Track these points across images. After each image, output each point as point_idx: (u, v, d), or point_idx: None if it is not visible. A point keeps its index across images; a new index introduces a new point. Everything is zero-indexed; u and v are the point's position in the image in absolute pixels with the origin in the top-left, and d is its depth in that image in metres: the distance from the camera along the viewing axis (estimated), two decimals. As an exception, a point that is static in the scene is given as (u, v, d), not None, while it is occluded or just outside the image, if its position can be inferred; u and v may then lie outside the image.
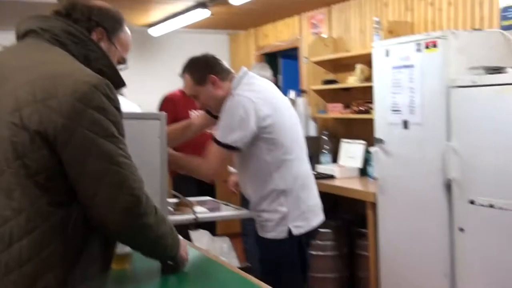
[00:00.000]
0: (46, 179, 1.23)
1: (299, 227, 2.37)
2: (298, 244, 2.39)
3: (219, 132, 2.32)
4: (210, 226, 3.88)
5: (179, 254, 1.59)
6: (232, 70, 2.49)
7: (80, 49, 1.37)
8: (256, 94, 2.33)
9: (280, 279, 2.34)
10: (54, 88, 1.24)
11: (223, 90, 2.40)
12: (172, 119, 4.18)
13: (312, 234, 2.47)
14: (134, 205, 1.31)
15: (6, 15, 4.62)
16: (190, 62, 2.46)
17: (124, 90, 5.09)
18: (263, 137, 2.31)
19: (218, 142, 2.31)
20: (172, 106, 4.22)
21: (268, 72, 4.50)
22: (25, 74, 1.28)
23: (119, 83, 1.48)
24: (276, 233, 2.36)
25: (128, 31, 1.57)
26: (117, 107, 1.33)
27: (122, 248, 1.68)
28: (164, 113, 2.09)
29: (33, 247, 1.22)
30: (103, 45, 1.45)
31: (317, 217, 2.48)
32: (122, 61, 1.56)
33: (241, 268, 2.00)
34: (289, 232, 2.35)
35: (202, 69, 2.41)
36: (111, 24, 1.48)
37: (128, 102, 4.98)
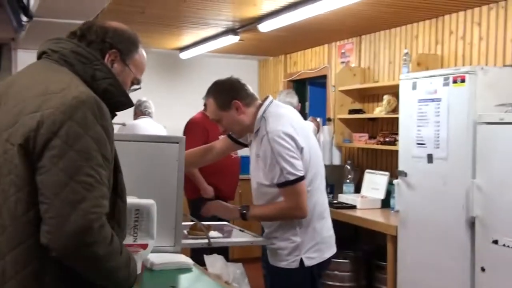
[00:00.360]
0: (28, 194, 1.23)
1: (311, 259, 2.32)
2: (310, 274, 2.34)
3: (284, 172, 2.22)
4: (224, 251, 3.86)
5: None
6: (257, 96, 2.46)
7: (87, 69, 1.39)
8: (289, 127, 2.29)
9: None
10: (43, 103, 1.26)
11: (247, 115, 2.37)
12: (203, 144, 4.20)
13: (324, 265, 2.41)
14: (83, 230, 1.20)
15: (44, 35, 4.77)
16: (215, 86, 2.42)
17: (151, 111, 5.20)
18: None
19: (291, 181, 2.23)
20: (203, 130, 4.24)
21: (295, 99, 4.52)
22: (24, 93, 1.32)
23: (126, 103, 1.48)
24: (287, 262, 2.32)
25: (144, 53, 1.58)
26: (104, 125, 1.29)
27: None
28: (183, 137, 2.11)
29: (15, 263, 1.23)
30: (116, 66, 1.47)
31: (330, 249, 2.43)
32: (136, 82, 1.56)
33: (252, 296, 1.99)
34: (301, 262, 2.30)
35: (226, 93, 2.36)
36: (126, 46, 1.50)
37: (154, 124, 5.07)
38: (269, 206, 2.36)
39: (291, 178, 2.22)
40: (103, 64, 1.42)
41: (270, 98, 2.44)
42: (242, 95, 2.37)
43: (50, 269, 1.26)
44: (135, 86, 1.57)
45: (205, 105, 4.42)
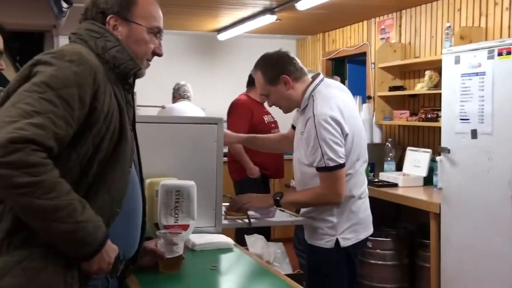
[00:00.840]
0: None
1: (347, 239, 2.31)
2: (346, 254, 2.33)
3: (325, 157, 2.19)
4: (266, 231, 3.89)
5: (95, 259, 1.36)
6: (306, 70, 2.40)
7: (98, 42, 1.47)
8: (337, 111, 2.23)
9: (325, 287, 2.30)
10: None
11: (296, 91, 2.32)
12: (248, 124, 4.24)
13: (360, 245, 2.40)
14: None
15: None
16: (262, 59, 2.36)
17: (190, 94, 5.24)
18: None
19: (331, 168, 2.20)
20: (248, 111, 4.27)
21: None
22: None
23: (134, 66, 1.51)
24: (323, 241, 2.32)
25: (147, 1, 1.57)
26: (77, 72, 1.34)
27: (170, 253, 1.71)
28: (221, 118, 2.13)
29: None
30: (121, 29, 1.51)
31: (366, 230, 2.41)
32: (157, 31, 1.57)
33: (292, 275, 2.00)
34: (337, 243, 2.30)
35: (274, 68, 2.31)
36: (120, 4, 1.52)
37: (192, 106, 5.12)
38: (303, 192, 2.35)
39: (331, 164, 2.19)
40: (112, 35, 1.49)
41: (321, 76, 2.39)
42: (291, 69, 2.31)
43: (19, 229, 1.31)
44: (156, 41, 1.58)
45: (249, 85, 4.42)
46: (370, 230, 2.43)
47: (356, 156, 2.32)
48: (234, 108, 4.43)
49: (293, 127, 2.56)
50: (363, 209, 2.40)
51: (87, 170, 1.37)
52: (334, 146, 2.19)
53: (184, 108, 4.97)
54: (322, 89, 2.31)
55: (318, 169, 2.23)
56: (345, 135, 2.24)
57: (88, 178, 1.38)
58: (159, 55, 1.59)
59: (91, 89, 1.36)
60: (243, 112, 4.30)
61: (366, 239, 2.43)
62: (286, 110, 2.44)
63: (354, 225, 2.33)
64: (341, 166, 2.21)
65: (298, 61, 2.38)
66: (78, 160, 1.35)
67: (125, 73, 1.50)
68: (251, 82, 4.35)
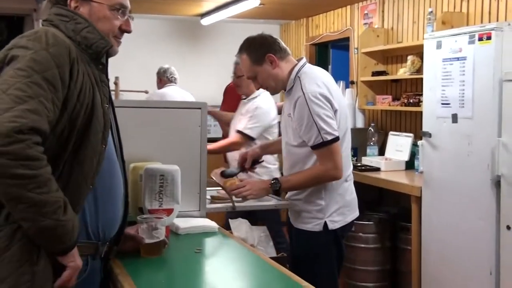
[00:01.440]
0: None
1: (334, 222, 2.34)
2: (334, 237, 2.37)
3: (322, 132, 2.22)
4: (251, 215, 3.91)
5: (69, 255, 1.40)
6: (289, 50, 2.44)
7: (69, 25, 1.49)
8: (325, 88, 2.28)
9: (315, 271, 2.33)
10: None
11: (282, 69, 2.35)
12: (236, 106, 4.27)
13: (347, 228, 2.44)
14: None
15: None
16: (247, 41, 2.40)
17: (177, 77, 5.21)
18: None
19: (329, 141, 2.23)
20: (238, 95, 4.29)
21: None
22: None
23: (105, 45, 1.52)
24: (312, 225, 2.34)
25: None
26: (53, 53, 1.36)
27: (150, 238, 1.73)
28: (205, 103, 2.13)
29: None
30: (83, 9, 1.53)
31: (353, 213, 2.44)
32: (119, 6, 1.57)
33: (277, 258, 2.03)
34: (325, 226, 2.33)
35: (259, 48, 2.35)
36: None
37: (181, 91, 5.11)
38: (302, 174, 2.34)
39: (329, 138, 2.22)
40: (80, 16, 1.51)
41: (305, 59, 2.43)
42: (276, 48, 2.35)
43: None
44: (123, 18, 1.58)
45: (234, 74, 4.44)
46: (356, 212, 2.47)
47: (342, 134, 2.35)
48: (228, 91, 4.47)
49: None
50: (350, 191, 2.43)
51: (64, 148, 1.40)
52: (328, 120, 2.23)
53: (174, 94, 4.96)
54: (307, 70, 2.36)
55: (316, 146, 2.24)
56: (334, 111, 2.28)
57: (64, 155, 1.41)
58: (127, 31, 1.59)
59: (68, 67, 1.39)
60: (236, 96, 4.33)
61: (353, 222, 2.46)
62: (274, 90, 2.46)
63: (341, 208, 2.36)
64: (337, 139, 2.25)
65: (281, 41, 2.43)
66: (54, 139, 1.38)
67: (97, 52, 1.51)
68: None
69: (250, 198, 2.40)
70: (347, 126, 2.41)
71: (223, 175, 2.63)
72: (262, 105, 3.48)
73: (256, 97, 3.56)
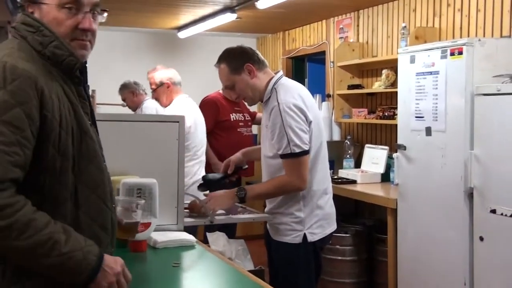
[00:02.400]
0: None
1: (314, 234, 2.35)
2: (313, 249, 2.37)
3: (291, 143, 2.24)
4: (231, 228, 3.92)
5: (98, 280, 1.30)
6: (267, 63, 2.48)
7: (36, 37, 1.34)
8: (300, 100, 2.32)
9: (294, 282, 2.34)
10: None
11: (260, 80, 2.38)
12: (213, 121, 4.31)
13: (326, 240, 2.45)
14: None
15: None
16: (226, 51, 2.44)
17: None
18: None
19: (296, 154, 2.25)
20: (214, 108, 4.32)
21: None
22: None
23: (75, 62, 1.37)
24: (291, 237, 2.35)
25: None
26: (12, 90, 1.23)
27: (128, 218, 1.74)
28: (183, 116, 2.13)
29: None
30: (38, 14, 1.37)
31: (332, 225, 2.46)
32: (72, 3, 1.36)
33: (255, 271, 2.03)
34: (304, 238, 2.33)
35: (238, 57, 2.38)
36: None
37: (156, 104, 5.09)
38: (267, 183, 2.38)
39: (297, 150, 2.24)
40: (46, 28, 1.35)
41: (281, 72, 2.48)
42: (254, 59, 2.39)
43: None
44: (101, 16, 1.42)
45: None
46: (335, 225, 2.49)
47: (318, 145, 2.37)
48: (201, 104, 4.50)
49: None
50: (330, 204, 2.45)
51: (65, 182, 1.31)
52: (300, 133, 2.25)
53: (156, 106, 4.96)
54: (284, 82, 2.39)
55: (284, 156, 2.26)
56: (309, 123, 2.31)
57: (68, 189, 1.31)
58: (85, 29, 1.37)
59: (36, 101, 1.25)
60: (208, 109, 4.37)
61: (331, 235, 2.48)
62: (251, 101, 2.47)
63: (320, 220, 2.38)
64: (306, 152, 2.27)
65: (260, 53, 2.48)
66: (52, 178, 1.29)
67: (69, 69, 1.37)
68: None
69: (218, 210, 2.40)
70: (322, 139, 2.44)
71: (205, 180, 2.63)
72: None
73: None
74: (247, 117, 4.51)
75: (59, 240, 1.24)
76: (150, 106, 5.05)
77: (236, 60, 2.37)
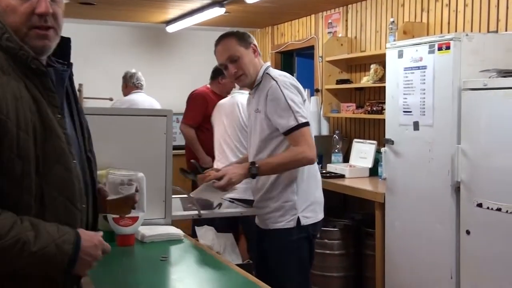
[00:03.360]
0: None
1: (307, 218, 2.37)
2: (306, 233, 2.38)
3: (297, 114, 2.26)
4: (233, 226, 3.90)
5: (78, 265, 1.26)
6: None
7: None
8: (295, 81, 2.38)
9: (286, 270, 2.34)
10: None
11: (259, 62, 2.44)
12: (202, 115, 4.31)
13: (317, 226, 2.46)
14: None
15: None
16: (232, 31, 2.48)
17: (143, 83, 5.19)
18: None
19: (303, 124, 2.27)
20: (203, 102, 4.33)
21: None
22: None
23: (27, 56, 1.25)
24: (284, 222, 2.35)
25: None
26: None
27: (116, 193, 1.64)
28: (170, 110, 2.13)
29: None
30: None
31: (322, 212, 2.49)
32: None
33: (242, 265, 2.03)
34: (298, 221, 2.34)
35: (246, 35, 2.43)
36: None
37: (149, 98, 5.07)
38: (280, 156, 2.32)
39: (304, 120, 2.27)
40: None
41: (269, 63, 2.54)
42: (256, 43, 2.46)
43: None
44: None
45: (212, 78, 4.44)
46: (323, 213, 2.50)
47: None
48: (190, 99, 4.50)
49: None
50: (319, 190, 2.49)
51: (27, 186, 1.22)
52: (301, 106, 2.30)
53: (143, 101, 4.93)
54: (273, 69, 2.45)
55: (292, 129, 2.26)
56: (302, 100, 2.34)
57: (31, 193, 1.23)
58: (43, 14, 1.26)
59: None
60: (198, 103, 4.38)
61: (321, 222, 2.49)
62: (248, 79, 2.41)
63: (312, 204, 2.40)
64: (309, 123, 2.30)
65: None
66: (16, 187, 1.21)
67: (23, 62, 1.25)
68: (214, 75, 4.41)
69: (231, 186, 2.29)
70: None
71: (193, 165, 2.59)
72: None
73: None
74: (236, 76, 4.51)
75: (28, 240, 1.19)
76: (127, 99, 5.01)
77: (244, 37, 2.41)
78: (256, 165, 2.27)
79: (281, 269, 2.36)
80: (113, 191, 1.62)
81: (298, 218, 2.35)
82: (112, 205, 1.61)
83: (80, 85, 5.22)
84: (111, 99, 5.46)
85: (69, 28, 6.76)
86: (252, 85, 2.43)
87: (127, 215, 1.72)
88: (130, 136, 2.04)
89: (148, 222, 2.03)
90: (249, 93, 2.52)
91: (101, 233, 1.36)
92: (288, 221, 2.35)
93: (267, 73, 2.39)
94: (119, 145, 2.03)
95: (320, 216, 2.45)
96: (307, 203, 2.38)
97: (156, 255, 1.84)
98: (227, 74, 2.47)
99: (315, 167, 2.48)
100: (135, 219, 1.90)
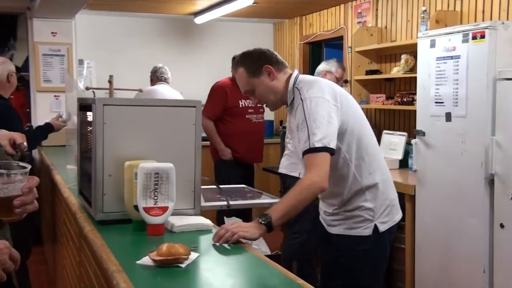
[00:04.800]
0: None
1: (384, 223, 2.19)
2: (383, 241, 2.22)
3: (313, 137, 2.00)
4: (246, 214, 3.93)
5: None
6: (287, 64, 2.31)
7: None
8: (328, 94, 2.10)
9: (359, 279, 2.22)
10: None
11: (280, 82, 2.22)
12: (222, 107, 4.35)
13: (393, 229, 2.27)
14: None
15: (57, 2, 4.77)
16: (243, 55, 2.28)
17: (168, 76, 5.22)
18: (341, 134, 2.11)
19: (316, 149, 2.00)
20: (223, 94, 4.35)
21: (334, 66, 4.25)
22: None
23: None
24: (359, 229, 2.18)
25: None
26: None
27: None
28: (199, 101, 2.12)
29: None
30: None
31: (399, 212, 2.30)
32: None
33: (271, 256, 2.03)
34: (375, 228, 2.17)
35: (256, 60, 2.22)
36: None
37: (170, 89, 5.11)
38: (287, 196, 2.02)
39: (318, 145, 2.00)
40: None
41: (296, 71, 2.29)
42: (273, 60, 2.24)
43: None
44: None
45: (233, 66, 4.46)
46: (400, 212, 2.32)
47: (359, 130, 2.17)
48: (211, 90, 4.53)
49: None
50: (393, 190, 2.30)
51: None
52: (322, 128, 2.02)
53: (163, 91, 4.98)
54: (303, 78, 2.22)
55: (304, 152, 2.03)
56: (341, 119, 2.10)
57: None
58: None
59: None
60: (217, 95, 4.41)
61: (398, 224, 2.32)
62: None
63: (389, 207, 2.23)
64: (328, 150, 2.01)
65: (278, 55, 2.32)
66: None
67: None
68: (233, 63, 4.40)
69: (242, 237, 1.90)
70: (363, 120, 2.24)
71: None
72: None
73: None
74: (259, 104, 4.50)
75: None
76: (147, 89, 5.05)
77: (254, 63, 2.22)
78: (268, 216, 1.94)
79: (351, 277, 2.22)
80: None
81: (375, 226, 2.17)
82: None
83: (111, 76, 5.27)
84: (140, 91, 5.50)
85: (99, 20, 6.89)
86: (286, 103, 2.24)
87: (6, 218, 1.45)
88: (159, 127, 2.05)
89: (177, 212, 2.03)
90: (287, 108, 2.29)
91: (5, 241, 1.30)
92: (364, 228, 2.17)
93: (296, 88, 2.17)
94: (149, 136, 2.03)
95: (397, 217, 2.26)
96: (383, 207, 2.20)
97: (186, 244, 1.84)
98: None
99: (386, 167, 2.29)
100: (165, 209, 1.90)
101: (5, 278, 1.29)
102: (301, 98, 2.10)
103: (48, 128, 4.13)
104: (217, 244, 1.82)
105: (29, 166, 1.44)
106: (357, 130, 2.16)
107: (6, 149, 2.02)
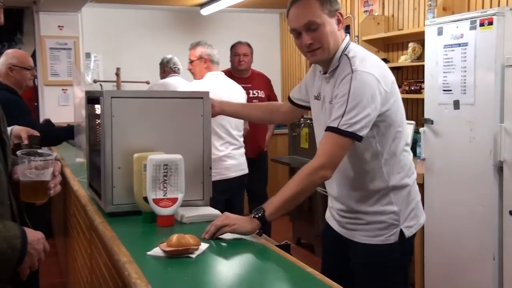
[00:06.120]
0: None
1: (410, 228, 1.93)
2: (409, 247, 1.99)
3: (346, 118, 1.74)
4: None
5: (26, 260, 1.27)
6: None
7: None
8: (378, 70, 1.81)
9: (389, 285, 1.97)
10: None
11: (340, 36, 1.89)
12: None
13: (415, 234, 2.01)
14: None
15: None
16: None
17: (180, 67, 5.22)
18: (379, 123, 1.83)
19: (342, 132, 1.75)
20: None
21: None
22: None
23: None
24: (384, 237, 1.92)
25: None
26: None
27: (24, 176, 1.52)
28: (207, 92, 2.13)
29: None
30: None
31: (423, 213, 2.03)
32: None
33: (281, 246, 2.04)
34: (401, 234, 1.91)
35: (335, 2, 1.88)
36: None
37: (184, 81, 5.10)
38: (287, 185, 1.81)
39: (348, 129, 1.74)
40: None
41: (348, 37, 1.94)
42: (341, 11, 1.90)
43: None
44: None
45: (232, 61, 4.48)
46: (424, 214, 2.06)
47: (403, 121, 1.93)
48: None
49: (290, 101, 2.21)
50: (418, 190, 2.03)
51: None
52: (365, 114, 1.75)
53: (178, 84, 4.95)
54: (355, 48, 1.90)
55: (327, 129, 1.79)
56: (387, 98, 1.81)
57: None
58: None
59: None
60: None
61: (422, 226, 2.07)
62: (324, 55, 1.88)
63: (414, 209, 1.96)
64: (355, 136, 1.76)
65: None
66: None
67: None
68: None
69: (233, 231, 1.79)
70: (403, 118, 1.95)
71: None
72: None
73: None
74: (260, 94, 4.50)
75: None
76: (161, 82, 5.02)
77: (332, 3, 1.86)
78: (261, 209, 1.79)
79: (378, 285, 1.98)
80: (22, 174, 1.50)
81: (401, 231, 1.91)
82: (23, 189, 1.50)
83: (118, 69, 5.30)
84: (148, 83, 5.51)
85: (105, 13, 6.89)
86: (327, 66, 1.91)
87: (40, 201, 1.54)
88: (167, 119, 2.06)
89: (186, 203, 2.04)
90: (323, 75, 1.96)
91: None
92: (389, 235, 1.91)
93: (345, 55, 1.85)
94: (157, 128, 2.04)
95: (422, 220, 2.01)
96: (409, 209, 1.94)
97: (196, 235, 1.85)
98: (297, 44, 1.92)
99: (413, 164, 1.99)
100: (174, 200, 1.92)
101: (37, 267, 1.33)
102: (351, 69, 1.79)
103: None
104: (205, 238, 1.77)
105: (54, 153, 1.58)
106: (398, 123, 1.89)
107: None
